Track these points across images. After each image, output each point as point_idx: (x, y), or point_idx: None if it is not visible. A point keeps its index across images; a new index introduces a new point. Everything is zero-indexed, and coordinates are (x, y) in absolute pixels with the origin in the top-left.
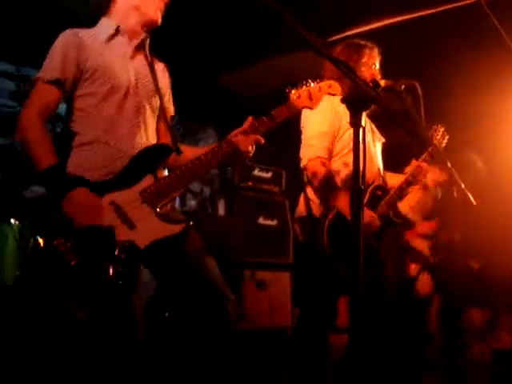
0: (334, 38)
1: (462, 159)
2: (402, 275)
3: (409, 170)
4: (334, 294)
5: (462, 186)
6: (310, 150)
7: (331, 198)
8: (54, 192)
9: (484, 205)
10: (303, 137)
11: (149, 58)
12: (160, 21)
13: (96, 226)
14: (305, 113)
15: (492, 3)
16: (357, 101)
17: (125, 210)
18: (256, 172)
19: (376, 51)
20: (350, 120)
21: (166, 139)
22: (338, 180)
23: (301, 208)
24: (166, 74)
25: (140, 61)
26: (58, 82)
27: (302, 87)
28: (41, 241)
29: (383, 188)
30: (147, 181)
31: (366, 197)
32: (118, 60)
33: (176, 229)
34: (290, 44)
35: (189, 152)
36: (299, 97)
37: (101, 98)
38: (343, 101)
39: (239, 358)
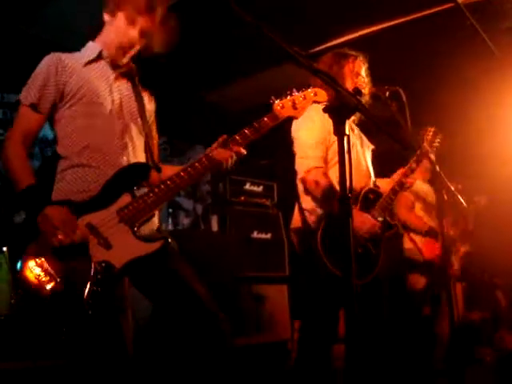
0: (317, 48)
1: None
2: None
3: (400, 172)
4: (335, 304)
5: (452, 188)
6: (306, 161)
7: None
8: (32, 211)
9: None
10: (297, 148)
11: (134, 82)
12: (126, 61)
13: (71, 243)
14: (295, 123)
15: (471, 5)
16: (339, 109)
17: (101, 231)
18: (247, 186)
19: (360, 60)
20: (334, 129)
21: (149, 159)
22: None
23: (296, 219)
24: (152, 99)
25: (124, 84)
26: (37, 107)
27: (285, 97)
28: (19, 266)
29: (375, 191)
30: (124, 200)
31: (359, 200)
32: (101, 82)
33: (153, 247)
34: (275, 57)
35: (171, 170)
36: (283, 107)
37: (84, 121)
38: (326, 110)
39: (239, 373)
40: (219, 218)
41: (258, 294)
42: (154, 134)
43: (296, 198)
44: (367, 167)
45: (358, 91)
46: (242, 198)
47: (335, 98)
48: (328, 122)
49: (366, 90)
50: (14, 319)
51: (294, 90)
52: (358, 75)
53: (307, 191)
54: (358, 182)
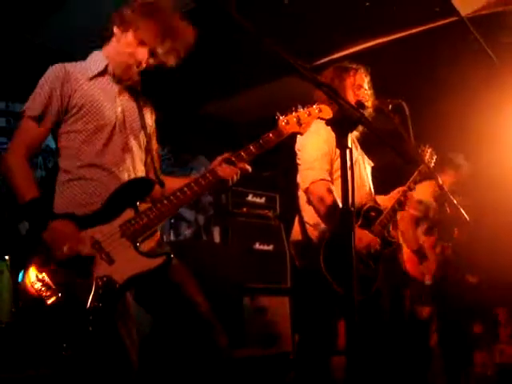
0: (320, 61)
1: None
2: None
3: (400, 190)
4: (334, 316)
5: (455, 201)
6: (312, 172)
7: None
8: (36, 224)
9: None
10: (302, 160)
11: (136, 95)
12: (133, 75)
13: (74, 258)
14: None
15: (474, 19)
16: (342, 122)
17: (103, 245)
18: (250, 198)
19: (362, 72)
20: (337, 142)
21: (151, 173)
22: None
23: (296, 232)
24: (153, 112)
25: (127, 98)
26: (41, 119)
27: (290, 113)
28: (20, 277)
29: (377, 209)
30: (127, 214)
31: (360, 218)
32: (105, 96)
33: (155, 263)
34: (278, 70)
35: (174, 183)
36: (287, 123)
37: (87, 135)
38: (328, 123)
39: None
40: (221, 229)
41: (259, 305)
42: (155, 145)
43: (297, 210)
44: (369, 185)
45: (360, 104)
46: (245, 209)
47: (338, 111)
48: (333, 136)
49: (369, 103)
50: (15, 327)
51: (299, 105)
52: (360, 88)
53: (310, 202)
54: (360, 199)
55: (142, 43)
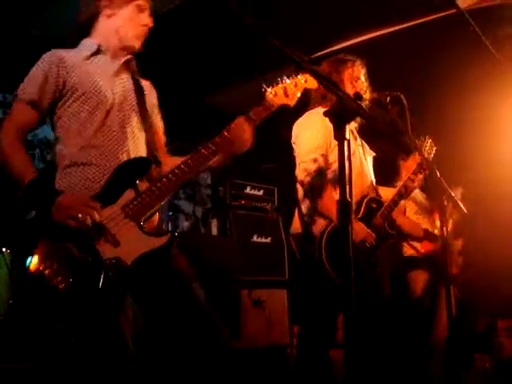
0: (318, 54)
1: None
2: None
3: (400, 181)
4: (335, 309)
5: (452, 194)
6: (306, 165)
7: (330, 210)
8: (40, 203)
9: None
10: (297, 153)
11: (134, 75)
12: (139, 47)
13: (91, 225)
14: (296, 128)
15: (473, 11)
16: (340, 114)
17: (108, 227)
18: (248, 190)
19: (358, 65)
20: (334, 133)
21: (156, 152)
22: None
23: (296, 224)
24: (153, 91)
25: (124, 77)
26: (34, 104)
27: (277, 85)
28: (27, 266)
29: (378, 200)
30: (128, 195)
31: (362, 209)
32: (101, 76)
33: (161, 241)
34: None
35: (177, 161)
36: (275, 95)
37: (85, 116)
38: (326, 114)
39: (237, 377)
40: (219, 222)
41: (257, 298)
42: (158, 125)
43: (296, 202)
44: (370, 176)
45: (358, 96)
46: (243, 201)
47: (337, 103)
48: (328, 127)
49: (366, 95)
50: (13, 319)
51: (285, 76)
52: (358, 80)
53: (307, 195)
54: (361, 191)
55: (141, 10)
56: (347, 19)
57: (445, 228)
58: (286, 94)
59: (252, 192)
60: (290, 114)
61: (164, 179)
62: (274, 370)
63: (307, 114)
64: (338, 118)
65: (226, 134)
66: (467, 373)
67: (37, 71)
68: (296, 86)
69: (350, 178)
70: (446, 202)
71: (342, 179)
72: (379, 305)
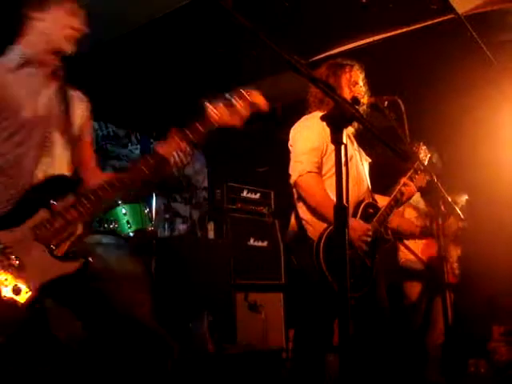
0: (315, 57)
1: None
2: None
3: (396, 187)
4: (331, 313)
5: (449, 199)
6: (300, 165)
7: (328, 216)
8: None
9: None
10: (292, 154)
11: (61, 87)
12: (70, 50)
13: None
14: (293, 131)
15: (471, 17)
16: (337, 118)
17: (12, 250)
18: (244, 194)
19: (357, 69)
20: (331, 137)
21: (82, 168)
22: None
23: (293, 227)
24: (83, 102)
25: (50, 90)
26: None
27: (220, 104)
28: None
29: (374, 206)
30: (40, 216)
31: (359, 214)
32: (24, 91)
33: (73, 266)
34: (274, 65)
35: (103, 177)
36: (219, 115)
37: (6, 134)
38: (323, 118)
39: (233, 381)
40: (216, 225)
41: (253, 301)
42: (85, 140)
43: (293, 206)
44: (366, 181)
45: (356, 100)
46: (239, 205)
47: (334, 108)
48: (326, 131)
49: (364, 100)
50: None
51: (227, 94)
52: (356, 84)
53: (299, 195)
54: (357, 196)
55: (72, 14)
56: (345, 24)
57: (441, 235)
58: (231, 115)
59: (249, 195)
60: (287, 118)
61: (83, 200)
62: (269, 374)
63: (305, 118)
64: (335, 123)
65: (150, 159)
66: (463, 378)
67: None
68: (242, 106)
69: (347, 182)
70: (443, 208)
71: (338, 183)
72: (375, 309)
